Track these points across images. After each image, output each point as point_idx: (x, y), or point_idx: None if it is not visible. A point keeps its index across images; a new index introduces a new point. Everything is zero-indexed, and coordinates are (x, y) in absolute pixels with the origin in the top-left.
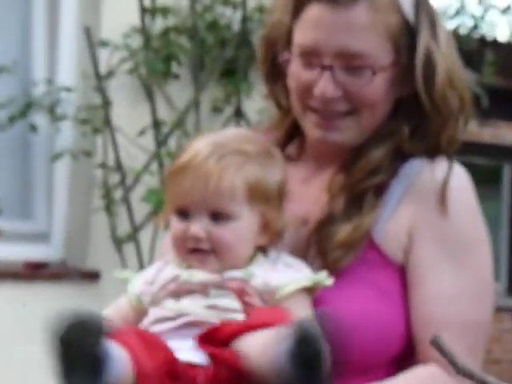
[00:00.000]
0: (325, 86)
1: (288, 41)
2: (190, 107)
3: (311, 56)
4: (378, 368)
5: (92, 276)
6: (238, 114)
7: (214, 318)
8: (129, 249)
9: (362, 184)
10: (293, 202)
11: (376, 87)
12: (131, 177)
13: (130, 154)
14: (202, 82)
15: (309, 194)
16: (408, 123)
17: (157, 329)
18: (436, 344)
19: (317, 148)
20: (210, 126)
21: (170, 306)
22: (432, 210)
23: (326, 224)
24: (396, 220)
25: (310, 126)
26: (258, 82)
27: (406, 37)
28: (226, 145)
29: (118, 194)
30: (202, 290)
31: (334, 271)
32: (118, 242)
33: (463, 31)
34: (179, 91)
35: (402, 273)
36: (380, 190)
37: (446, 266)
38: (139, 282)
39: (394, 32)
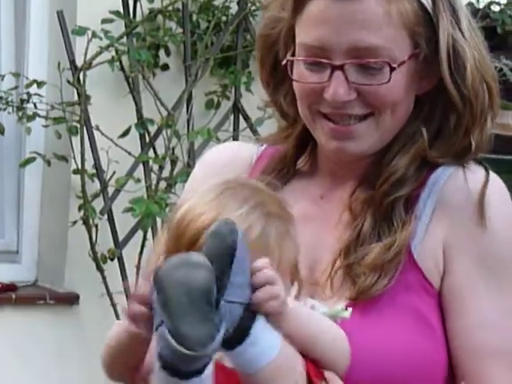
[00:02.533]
0: (336, 88)
1: (290, 40)
2: (181, 103)
3: (318, 56)
4: None
5: (69, 299)
6: (236, 111)
7: None
8: (111, 268)
9: (388, 197)
10: (308, 222)
11: (395, 85)
12: (113, 184)
13: (111, 158)
14: (195, 74)
15: (327, 213)
16: (429, 124)
17: None
18: None
19: (332, 160)
20: (203, 125)
21: None
22: (468, 225)
23: (353, 247)
24: (430, 237)
25: (323, 136)
26: (259, 72)
27: (424, 25)
28: (265, 209)
29: (98, 204)
30: None
31: (367, 298)
32: (99, 261)
33: (496, 8)
34: (168, 85)
35: (439, 298)
36: (408, 204)
37: (487, 287)
38: None
39: (410, 21)
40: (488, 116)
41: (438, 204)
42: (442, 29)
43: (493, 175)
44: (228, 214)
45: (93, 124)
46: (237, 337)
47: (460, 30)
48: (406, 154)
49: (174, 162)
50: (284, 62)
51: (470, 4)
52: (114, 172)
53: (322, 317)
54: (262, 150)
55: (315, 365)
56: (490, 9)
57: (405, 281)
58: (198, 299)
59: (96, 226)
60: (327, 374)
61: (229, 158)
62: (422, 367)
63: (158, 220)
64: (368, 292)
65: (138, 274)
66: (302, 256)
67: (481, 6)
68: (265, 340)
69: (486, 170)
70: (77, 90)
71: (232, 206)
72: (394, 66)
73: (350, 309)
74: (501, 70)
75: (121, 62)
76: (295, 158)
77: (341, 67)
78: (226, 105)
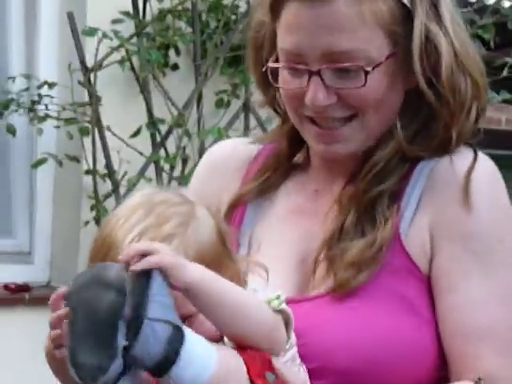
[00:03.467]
0: (315, 93)
1: (273, 44)
2: (191, 102)
3: (296, 62)
4: None
5: None
6: (247, 109)
7: None
8: None
9: (370, 192)
10: (302, 215)
11: (374, 86)
12: (125, 184)
13: (122, 158)
14: (204, 73)
15: (320, 207)
16: (410, 118)
17: None
18: None
19: (323, 158)
20: (214, 124)
21: None
22: (454, 206)
23: (335, 240)
24: (418, 222)
25: (311, 139)
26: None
27: (402, 24)
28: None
29: (109, 204)
30: None
31: (345, 291)
32: None
33: (506, 4)
34: (178, 84)
35: (428, 283)
36: (393, 200)
37: (475, 268)
38: None
39: (385, 21)
40: (472, 109)
41: (425, 188)
42: (416, 25)
43: (482, 157)
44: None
45: (104, 124)
46: (166, 362)
47: (440, 24)
48: (385, 149)
49: (185, 162)
50: (264, 69)
51: (479, 0)
52: (126, 172)
53: (243, 292)
54: (260, 148)
55: (255, 353)
56: (500, 4)
57: (391, 265)
58: (100, 325)
59: None
60: (277, 363)
61: (228, 156)
62: (408, 352)
63: None
64: (346, 285)
65: None
66: (296, 247)
67: (491, 1)
68: (198, 358)
69: (475, 152)
70: (88, 90)
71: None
72: (368, 69)
73: (282, 297)
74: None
75: (131, 63)
76: (290, 155)
77: (317, 72)
78: (236, 103)
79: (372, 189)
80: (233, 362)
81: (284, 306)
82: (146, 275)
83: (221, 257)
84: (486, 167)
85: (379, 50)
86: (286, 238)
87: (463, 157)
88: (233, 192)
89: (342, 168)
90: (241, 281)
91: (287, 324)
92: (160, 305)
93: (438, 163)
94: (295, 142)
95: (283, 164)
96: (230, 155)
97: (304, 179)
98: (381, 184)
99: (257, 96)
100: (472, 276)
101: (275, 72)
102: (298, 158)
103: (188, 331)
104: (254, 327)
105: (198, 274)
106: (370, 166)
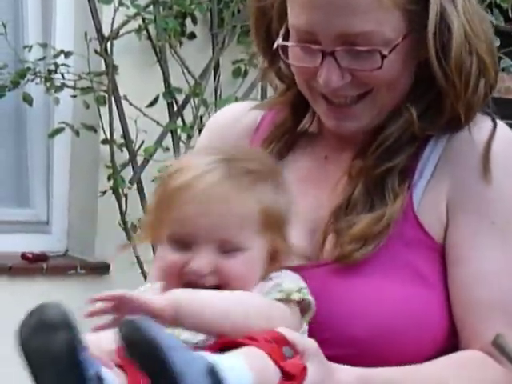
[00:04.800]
0: (328, 75)
1: (283, 14)
2: (208, 72)
3: (309, 41)
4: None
5: (100, 269)
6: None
7: None
8: None
9: (380, 167)
10: (310, 182)
11: (390, 66)
12: (142, 154)
13: (139, 128)
14: (222, 42)
15: (329, 175)
16: (425, 97)
17: None
18: (497, 345)
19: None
20: (231, 93)
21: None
22: (473, 176)
23: (343, 212)
24: (433, 192)
25: (322, 114)
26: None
27: (416, 2)
28: (234, 162)
29: (127, 173)
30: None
31: (349, 263)
32: (129, 230)
33: None
34: (195, 53)
35: (442, 252)
36: (404, 177)
37: (490, 241)
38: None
39: (401, 0)
40: (479, 87)
41: (440, 161)
42: (432, 3)
43: (501, 126)
44: (192, 162)
45: (121, 94)
46: None
47: (454, 2)
48: (394, 125)
49: (201, 131)
50: (275, 47)
51: None
52: (143, 141)
53: (227, 295)
54: (262, 115)
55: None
56: None
57: (404, 237)
58: (63, 370)
59: (125, 195)
60: (290, 335)
61: (232, 123)
62: (419, 321)
63: None
64: (350, 258)
65: None
66: (305, 216)
67: None
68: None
69: (494, 120)
70: (104, 59)
71: (200, 157)
72: (385, 53)
73: (305, 290)
74: None
75: (148, 31)
76: (295, 123)
77: (332, 53)
78: (254, 73)
79: (381, 165)
80: (261, 363)
81: (306, 296)
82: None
83: (281, 226)
84: (505, 137)
85: (395, 30)
86: (295, 208)
87: (482, 127)
88: None
89: (353, 137)
90: (286, 254)
91: (305, 312)
92: (180, 351)
93: (455, 135)
94: (299, 109)
95: (289, 132)
96: (234, 122)
97: (313, 146)
98: (390, 160)
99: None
100: (486, 248)
101: (285, 46)
102: (305, 124)
103: (221, 365)
104: (251, 322)
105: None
106: (380, 142)
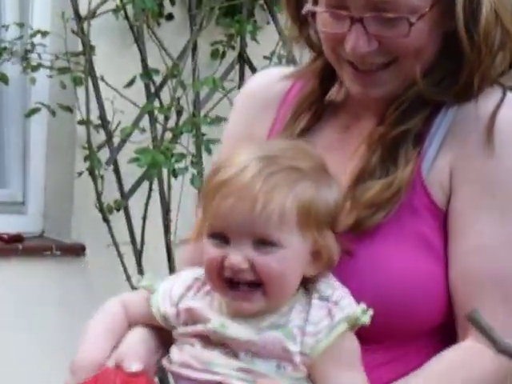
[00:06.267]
0: (356, 41)
1: None
2: (186, 53)
3: (337, 6)
4: (419, 337)
5: (75, 250)
6: (242, 60)
7: None
8: (117, 218)
9: (394, 130)
10: (333, 151)
11: (417, 35)
12: (118, 135)
13: (116, 109)
14: (200, 23)
15: (349, 143)
16: (444, 65)
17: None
18: (472, 319)
19: (356, 97)
20: (209, 75)
21: (198, 354)
22: (477, 147)
23: (360, 179)
24: (440, 161)
25: (347, 80)
26: (265, 20)
27: None
28: (277, 159)
29: (103, 154)
30: (234, 346)
31: (361, 230)
32: (105, 211)
33: None
34: (173, 34)
35: (444, 219)
36: (416, 142)
37: (490, 213)
38: (164, 300)
39: None
40: (497, 57)
41: (449, 130)
42: None
43: (510, 98)
44: (235, 159)
45: (97, 74)
46: None
47: None
48: (409, 90)
49: (179, 112)
50: (304, 12)
51: None
52: (120, 122)
53: None
54: (291, 84)
55: None
56: None
57: (412, 205)
58: None
59: (102, 176)
60: None
61: (264, 88)
62: (424, 289)
63: (164, 170)
64: (363, 225)
65: (144, 224)
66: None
67: None
68: None
69: (505, 92)
70: (81, 39)
71: (242, 154)
72: (413, 21)
73: (370, 311)
74: None
75: (125, 11)
76: (322, 93)
77: (360, 20)
78: (232, 54)
79: (396, 128)
80: None
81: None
82: None
83: (323, 225)
84: None
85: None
86: None
87: (489, 98)
88: (264, 127)
89: (374, 106)
90: (330, 253)
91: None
92: None
93: (463, 105)
94: (327, 79)
95: (317, 102)
96: (266, 87)
97: (336, 116)
98: (404, 124)
99: (252, 47)
100: (486, 221)
101: (314, 11)
102: (331, 94)
103: None
104: None
105: None
106: (396, 106)
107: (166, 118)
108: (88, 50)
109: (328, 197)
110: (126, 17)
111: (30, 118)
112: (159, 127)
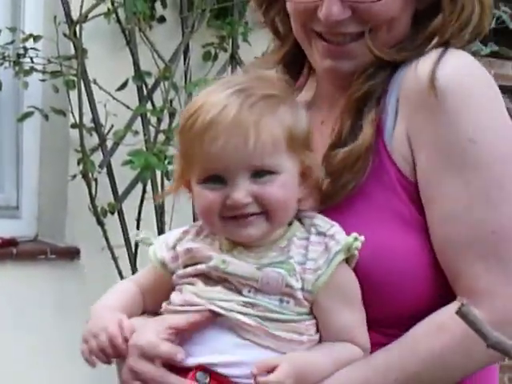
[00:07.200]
0: (330, 7)
1: None
2: (178, 55)
3: None
4: (399, 323)
5: (70, 254)
6: (234, 62)
7: (251, 319)
8: (111, 222)
9: (358, 91)
10: (314, 147)
11: (390, 1)
12: (111, 138)
13: (109, 112)
14: (191, 26)
15: (326, 137)
16: (407, 26)
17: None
18: (462, 314)
19: (326, 80)
20: (201, 77)
21: (200, 291)
22: (422, 111)
23: (330, 151)
24: (398, 131)
25: (317, 55)
26: (256, 22)
27: None
28: (251, 90)
29: (96, 157)
30: (237, 283)
31: (331, 204)
32: (99, 214)
33: None
34: (165, 37)
35: (417, 190)
36: (377, 105)
37: (450, 174)
38: (161, 248)
39: None
40: (462, 17)
41: (400, 97)
42: None
43: (452, 53)
44: (210, 99)
45: (90, 77)
46: None
47: None
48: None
49: (172, 115)
50: None
51: None
52: (113, 125)
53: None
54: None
55: None
56: None
57: (382, 178)
58: None
59: (95, 179)
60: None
61: None
62: (400, 262)
63: (157, 172)
64: (332, 198)
65: (138, 226)
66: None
67: None
68: None
69: (446, 48)
70: (73, 43)
71: (215, 93)
72: None
73: (361, 238)
74: (499, 17)
75: (117, 15)
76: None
77: None
78: (224, 56)
79: (360, 89)
80: None
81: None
82: None
83: (304, 146)
84: (453, 63)
85: None
86: None
87: (428, 58)
88: None
89: (345, 92)
90: (317, 172)
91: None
92: None
93: (406, 70)
94: (292, 67)
95: None
96: None
97: (311, 112)
98: (367, 83)
99: (244, 48)
100: (448, 183)
101: None
102: (304, 92)
103: None
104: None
105: None
106: (360, 72)
107: (159, 121)
108: (80, 53)
109: (303, 117)
110: (118, 20)
111: (23, 122)
112: (152, 129)
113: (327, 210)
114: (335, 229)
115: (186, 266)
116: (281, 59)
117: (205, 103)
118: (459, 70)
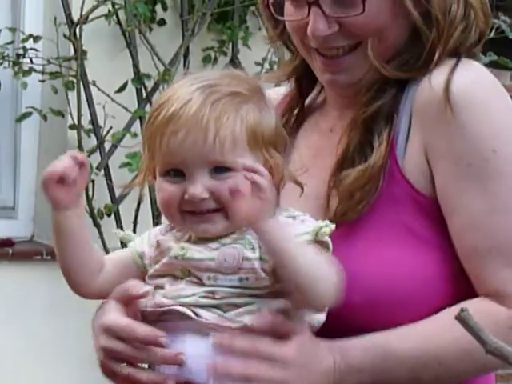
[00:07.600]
0: (315, 24)
1: None
2: (178, 58)
3: None
4: None
5: None
6: (234, 66)
7: (212, 315)
8: (108, 224)
9: (367, 111)
10: (320, 157)
11: (374, 12)
12: (110, 140)
13: (108, 114)
14: (192, 29)
15: (334, 146)
16: (399, 41)
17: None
18: (461, 320)
19: (333, 91)
20: None
21: (167, 292)
22: (440, 123)
23: (340, 168)
24: (412, 146)
25: (318, 69)
26: (256, 27)
27: None
28: (217, 87)
29: (94, 159)
30: (197, 272)
31: (343, 222)
32: (96, 216)
33: None
34: (165, 39)
35: (434, 206)
36: (387, 123)
37: (471, 185)
38: (143, 242)
39: None
40: (457, 29)
41: (412, 112)
42: None
43: (464, 64)
44: (176, 93)
45: (89, 79)
46: None
47: None
48: (371, 72)
49: None
50: (265, 3)
51: None
52: (111, 127)
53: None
54: (284, 91)
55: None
56: None
57: (393, 195)
58: None
59: (92, 181)
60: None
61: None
62: (411, 280)
63: None
64: (345, 216)
65: (135, 229)
66: (313, 191)
67: None
68: None
69: (458, 60)
70: (73, 44)
71: (181, 88)
72: None
73: (332, 226)
74: (499, 26)
75: (117, 16)
76: (302, 94)
77: (316, 2)
78: (224, 60)
79: (368, 108)
80: None
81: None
82: None
83: (271, 145)
84: (467, 74)
85: None
86: (307, 190)
87: (441, 70)
88: None
89: (355, 102)
90: (280, 173)
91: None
92: None
93: (419, 84)
94: (306, 78)
95: (297, 106)
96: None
97: (320, 118)
98: (374, 104)
99: (244, 53)
100: (470, 193)
101: (281, 4)
102: (317, 98)
103: None
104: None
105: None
106: (366, 89)
107: None
108: (80, 54)
109: (270, 117)
110: (118, 22)
111: (21, 122)
112: None
113: (337, 228)
114: (307, 217)
115: (157, 263)
116: (293, 71)
117: (170, 97)
118: (473, 83)
